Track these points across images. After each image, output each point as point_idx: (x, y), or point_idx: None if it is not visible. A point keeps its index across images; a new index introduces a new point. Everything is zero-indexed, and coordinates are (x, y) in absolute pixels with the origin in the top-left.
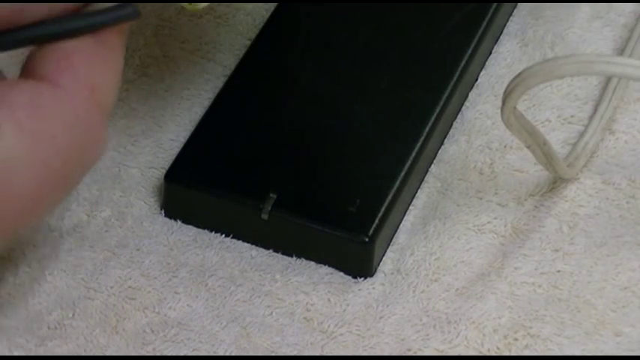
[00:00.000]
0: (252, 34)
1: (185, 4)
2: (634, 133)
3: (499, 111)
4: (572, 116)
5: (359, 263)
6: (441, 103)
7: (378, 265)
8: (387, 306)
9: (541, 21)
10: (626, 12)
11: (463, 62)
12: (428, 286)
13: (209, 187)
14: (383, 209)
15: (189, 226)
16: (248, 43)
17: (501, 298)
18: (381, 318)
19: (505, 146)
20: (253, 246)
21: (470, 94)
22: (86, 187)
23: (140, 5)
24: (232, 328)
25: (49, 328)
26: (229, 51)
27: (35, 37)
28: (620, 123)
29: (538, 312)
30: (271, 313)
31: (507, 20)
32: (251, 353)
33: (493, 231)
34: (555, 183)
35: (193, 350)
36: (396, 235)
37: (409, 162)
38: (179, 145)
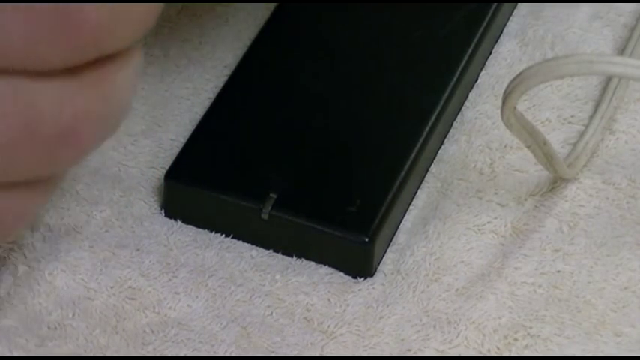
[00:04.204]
0: (252, 34)
1: None
2: (634, 133)
3: (499, 111)
4: (572, 116)
5: (359, 263)
6: (441, 103)
7: (378, 265)
8: (387, 306)
9: (541, 21)
10: (626, 12)
11: (463, 62)
12: (428, 286)
13: (209, 187)
14: (383, 209)
15: (189, 226)
16: (248, 43)
17: (501, 298)
18: (381, 318)
19: (505, 146)
20: (253, 246)
21: (470, 94)
22: (86, 187)
23: None
24: (232, 328)
25: (49, 328)
26: (229, 51)
27: None
28: (620, 123)
29: (538, 312)
30: (271, 313)
31: (507, 20)
32: (251, 353)
33: (493, 231)
34: (555, 183)
35: (193, 350)
36: (396, 235)
37: (409, 162)
38: (179, 145)
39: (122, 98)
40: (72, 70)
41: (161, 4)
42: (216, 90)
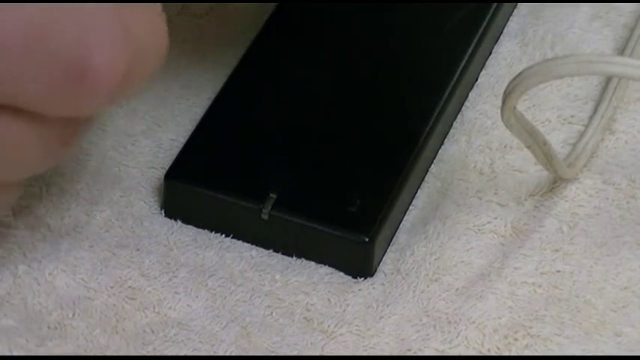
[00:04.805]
0: (252, 34)
1: None
2: (634, 133)
3: (499, 111)
4: (572, 116)
5: (359, 263)
6: (441, 103)
7: (378, 265)
8: (387, 306)
9: (541, 21)
10: (626, 12)
11: (463, 62)
12: (428, 286)
13: (209, 187)
14: (383, 209)
15: (189, 226)
16: (248, 43)
17: (501, 298)
18: (381, 318)
19: (505, 146)
20: (253, 246)
21: (470, 94)
22: (86, 187)
23: None
24: (232, 328)
25: (49, 328)
26: (229, 51)
27: None
28: (620, 123)
29: (538, 312)
30: (271, 313)
31: (507, 20)
32: (251, 353)
33: (493, 231)
34: (555, 183)
35: (193, 350)
36: (396, 235)
37: (409, 162)
38: (179, 145)
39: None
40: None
41: (166, 52)
42: (216, 90)
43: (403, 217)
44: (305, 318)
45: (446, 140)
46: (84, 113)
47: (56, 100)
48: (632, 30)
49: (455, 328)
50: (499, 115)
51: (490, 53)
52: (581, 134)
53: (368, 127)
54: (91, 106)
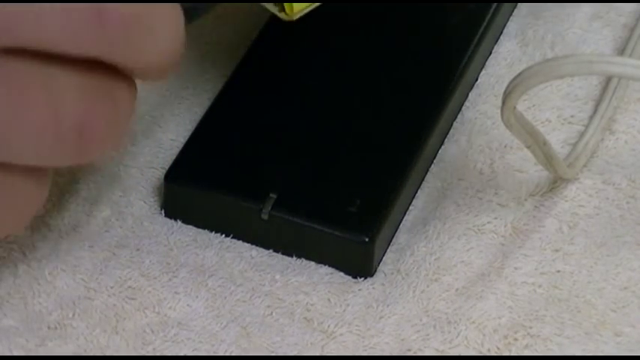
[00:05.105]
0: (252, 34)
1: (281, 15)
2: (634, 133)
3: (499, 111)
4: (572, 116)
5: (359, 263)
6: (441, 103)
7: (378, 265)
8: (387, 306)
9: (541, 21)
10: (626, 12)
11: (463, 62)
12: (428, 286)
13: (209, 187)
14: (383, 209)
15: (189, 226)
16: (248, 43)
17: (501, 298)
18: (381, 318)
19: (505, 146)
20: (253, 246)
21: (470, 94)
22: (86, 186)
23: None
24: (232, 328)
25: (49, 328)
26: (229, 51)
27: None
28: (620, 123)
29: (538, 312)
30: (271, 313)
31: (507, 20)
32: (251, 353)
33: (493, 231)
34: (555, 183)
35: (193, 350)
36: (396, 235)
37: (409, 162)
38: (179, 145)
39: (124, 115)
40: (92, 73)
41: (182, 27)
42: (216, 90)
43: (403, 217)
44: (305, 318)
45: (446, 140)
46: (108, 48)
47: (78, 33)
48: (632, 30)
49: (455, 328)
50: (499, 115)
51: (490, 53)
52: (581, 134)
53: (368, 127)
54: (114, 37)
